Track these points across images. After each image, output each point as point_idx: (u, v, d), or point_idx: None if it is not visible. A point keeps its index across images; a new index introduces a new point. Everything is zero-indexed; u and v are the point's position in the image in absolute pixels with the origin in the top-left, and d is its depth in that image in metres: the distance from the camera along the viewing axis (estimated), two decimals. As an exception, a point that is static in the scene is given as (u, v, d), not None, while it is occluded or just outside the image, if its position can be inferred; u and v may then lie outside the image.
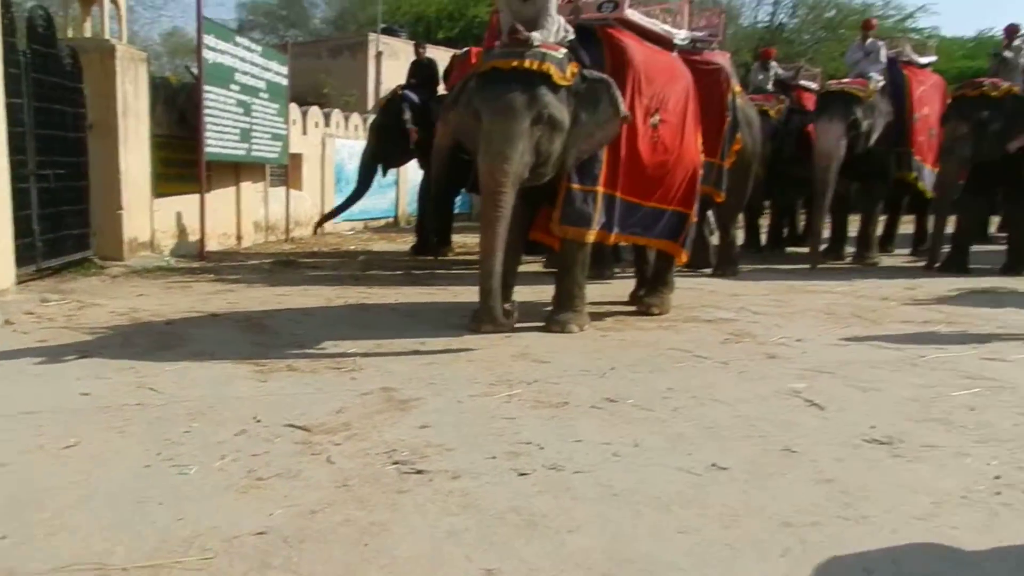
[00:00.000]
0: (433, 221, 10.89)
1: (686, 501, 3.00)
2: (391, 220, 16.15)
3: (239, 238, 11.58)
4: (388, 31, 19.61)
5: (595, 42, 6.22)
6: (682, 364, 5.19)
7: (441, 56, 13.06)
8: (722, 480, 3.22)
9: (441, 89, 10.89)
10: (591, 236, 6.13)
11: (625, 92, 5.98)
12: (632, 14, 6.61)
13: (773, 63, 11.88)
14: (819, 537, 2.72)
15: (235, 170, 11.24)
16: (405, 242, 12.41)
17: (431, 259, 10.68)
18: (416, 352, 5.39)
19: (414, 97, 10.41)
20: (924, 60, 11.79)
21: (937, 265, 10.00)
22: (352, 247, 12.23)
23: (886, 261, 11.19)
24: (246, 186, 11.62)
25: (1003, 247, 10.55)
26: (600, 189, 6.08)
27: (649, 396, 4.38)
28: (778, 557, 2.59)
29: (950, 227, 10.37)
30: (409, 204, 15.86)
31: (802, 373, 4.99)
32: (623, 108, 5.79)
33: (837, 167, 9.80)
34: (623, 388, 4.54)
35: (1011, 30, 10.24)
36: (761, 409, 4.19)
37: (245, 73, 10.86)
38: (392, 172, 13.09)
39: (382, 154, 10.72)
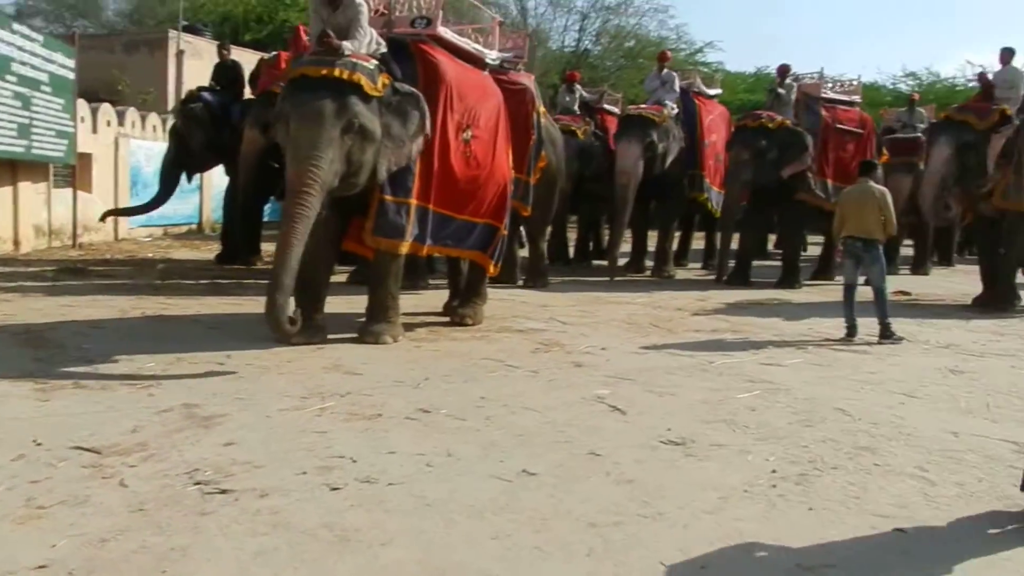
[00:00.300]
0: (241, 229, 10.44)
1: (498, 508, 3.07)
2: (194, 227, 15.29)
3: (16, 243, 10.50)
4: (191, 29, 18.59)
5: (408, 56, 6.28)
6: (494, 374, 5.30)
7: (248, 59, 12.60)
8: (532, 486, 3.33)
9: (247, 93, 10.51)
10: (404, 248, 6.15)
11: (437, 107, 6.07)
12: (445, 32, 6.75)
13: (578, 86, 12.52)
14: (620, 536, 2.88)
15: (11, 168, 10.19)
16: (210, 250, 11.78)
17: (238, 268, 10.21)
18: (221, 366, 5.14)
19: (212, 100, 9.98)
20: (712, 92, 12.94)
21: (724, 279, 10.88)
22: (150, 254, 11.44)
23: (680, 274, 12.02)
24: (25, 186, 10.56)
25: (779, 263, 11.66)
26: (413, 201, 6.12)
27: (462, 406, 4.45)
28: (584, 556, 2.72)
29: (735, 244, 11.32)
30: (214, 210, 15.06)
31: (606, 380, 5.26)
32: (427, 124, 5.89)
33: (635, 185, 10.47)
34: (437, 398, 4.58)
35: (783, 70, 11.45)
36: (568, 415, 4.37)
37: (23, 64, 9.90)
38: (196, 177, 12.45)
39: (182, 159, 10.16)
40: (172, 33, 17.64)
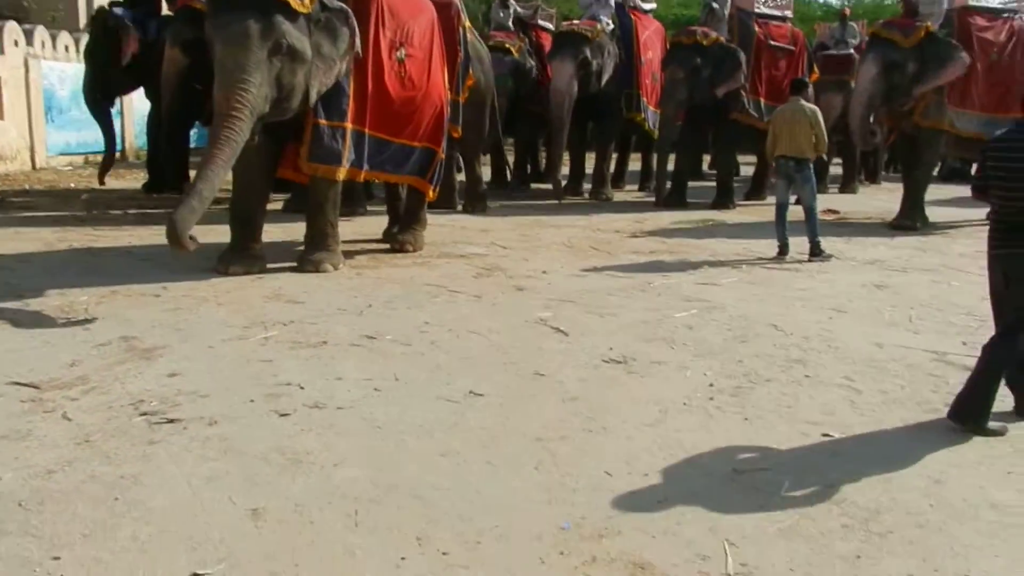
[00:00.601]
0: (167, 155, 10.04)
1: (447, 427, 3.15)
2: (117, 154, 14.63)
3: (-77, 174, 9.94)
4: (101, -60, 17.40)
5: None
6: (437, 299, 5.33)
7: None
8: (479, 406, 3.41)
9: (165, 9, 9.94)
10: (341, 173, 6.04)
11: (369, 25, 5.87)
12: None
13: (512, 1, 12.17)
14: (567, 449, 2.99)
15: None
16: (136, 179, 11.38)
17: (168, 197, 9.87)
18: (157, 297, 5.04)
19: (126, 16, 9.41)
20: (647, 6, 12.62)
21: (662, 200, 10.99)
22: (72, 184, 10.98)
23: (618, 196, 12.11)
24: (-71, 113, 9.94)
25: (714, 183, 11.83)
26: (349, 125, 5.98)
27: (407, 331, 4.48)
28: (532, 470, 2.82)
29: (671, 165, 11.43)
30: (137, 136, 14.44)
31: (548, 303, 5.34)
32: (357, 42, 5.69)
33: (571, 104, 10.39)
34: (381, 324, 4.60)
35: None
36: (512, 338, 4.45)
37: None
38: (116, 101, 11.86)
39: (98, 83, 9.65)
40: (80, -55, 16.51)
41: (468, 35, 8.70)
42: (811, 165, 7.31)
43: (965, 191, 6.05)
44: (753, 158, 12.89)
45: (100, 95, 9.76)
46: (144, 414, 3.14)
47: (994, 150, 3.45)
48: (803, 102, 7.29)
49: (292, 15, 5.29)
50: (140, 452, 2.80)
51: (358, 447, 2.92)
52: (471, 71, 8.59)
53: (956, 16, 9.31)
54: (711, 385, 3.79)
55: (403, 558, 2.25)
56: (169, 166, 9.94)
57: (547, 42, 11.84)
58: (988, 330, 4.96)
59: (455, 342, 4.33)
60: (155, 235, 7.30)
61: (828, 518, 2.58)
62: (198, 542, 2.27)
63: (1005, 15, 9.72)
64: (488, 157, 12.60)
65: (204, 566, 2.16)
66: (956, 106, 9.11)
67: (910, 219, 9.34)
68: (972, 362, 4.27)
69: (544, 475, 2.78)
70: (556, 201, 10.71)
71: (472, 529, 2.41)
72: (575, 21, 11.04)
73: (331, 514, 2.45)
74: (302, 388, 3.50)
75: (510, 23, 11.83)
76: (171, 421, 3.07)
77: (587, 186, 11.99)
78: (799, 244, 7.29)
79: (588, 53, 10.34)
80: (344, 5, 5.67)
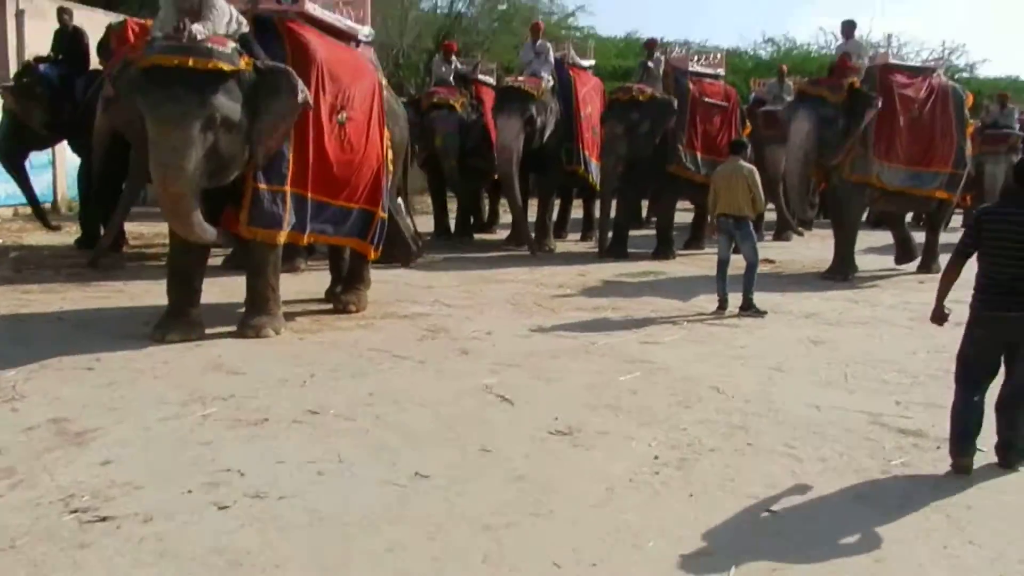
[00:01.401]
0: (97, 214, 9.83)
1: (393, 517, 3.09)
2: (48, 206, 14.20)
3: None
4: (31, -12, 17.04)
5: (275, 35, 6.01)
6: (382, 366, 5.28)
7: (101, 20, 11.73)
8: (425, 489, 3.37)
9: (95, 62, 9.78)
10: (282, 237, 5.99)
11: (309, 89, 5.86)
12: (313, 7, 6.47)
13: (454, 57, 12.34)
14: (514, 538, 2.97)
15: None
16: (69, 233, 11.04)
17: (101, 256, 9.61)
18: (91, 371, 4.88)
19: (51, 73, 9.28)
20: (586, 63, 13.00)
21: (604, 251, 11.16)
22: (0, 240, 10.61)
23: (561, 247, 12.22)
24: None
25: (654, 231, 12.04)
26: (288, 188, 5.94)
27: (351, 404, 4.42)
28: (480, 564, 2.78)
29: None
30: (70, 188, 14.04)
31: (493, 367, 5.33)
32: (304, 93, 5.62)
33: (518, 159, 10.58)
34: (324, 397, 4.53)
35: (651, 44, 11.75)
36: (458, 409, 4.42)
37: None
38: (47, 151, 11.59)
39: (19, 136, 9.43)
40: (10, -8, 16.15)
41: (384, 92, 8.78)
42: (750, 223, 7.52)
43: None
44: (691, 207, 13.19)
45: (15, 150, 9.55)
46: (75, 511, 3.01)
47: (989, 220, 3.81)
48: (741, 162, 7.52)
49: (225, 83, 5.23)
50: (70, 559, 2.68)
51: (301, 544, 2.85)
52: (387, 127, 8.64)
53: (878, 73, 9.74)
54: (656, 457, 3.82)
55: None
56: (99, 225, 9.72)
57: (488, 97, 12.02)
58: (920, 387, 5.20)
59: (400, 416, 4.28)
60: (89, 297, 7.14)
61: (774, 605, 2.61)
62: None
63: (923, 73, 10.22)
64: (433, 208, 12.70)
65: None
66: (882, 160, 9.49)
67: (841, 272, 9.65)
68: (906, 423, 4.47)
69: (491, 569, 2.75)
70: (531, 253, 10.89)
71: (419, 634, 2.36)
72: (519, 78, 11.24)
73: (273, 622, 2.38)
74: (242, 475, 3.41)
75: (451, 78, 11.99)
76: (104, 519, 2.95)
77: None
78: (739, 298, 7.44)
79: (533, 110, 10.58)
80: (283, 65, 5.65)
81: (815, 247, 12.51)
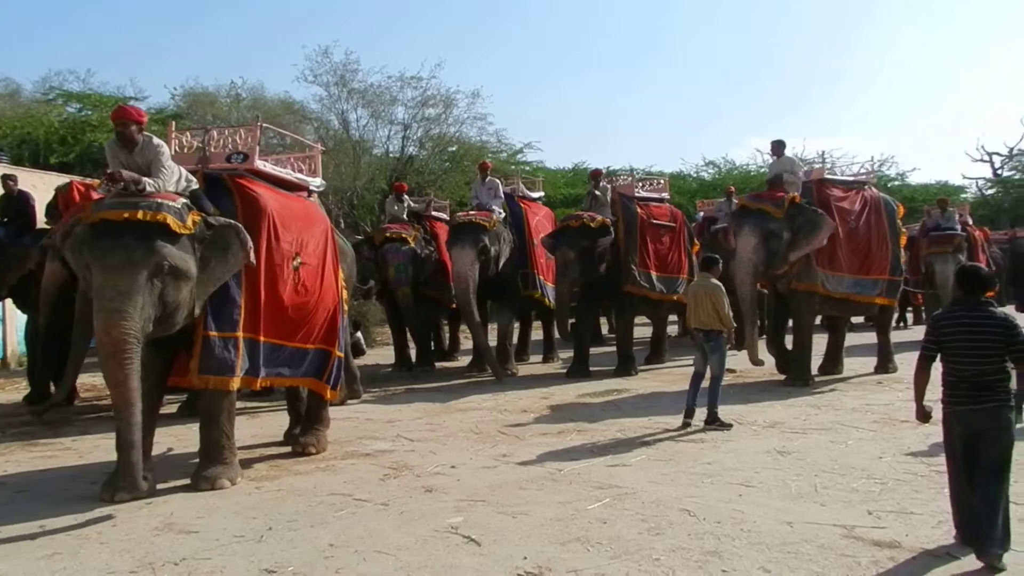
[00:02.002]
0: (43, 371, 9.66)
1: None
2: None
3: None
4: (-16, 154, 17.29)
5: (225, 191, 6.16)
6: (342, 512, 5.08)
7: (52, 182, 11.93)
8: (390, 649, 3.17)
9: (41, 222, 9.91)
10: (236, 383, 5.88)
11: (260, 238, 5.96)
12: (263, 164, 6.68)
13: (405, 196, 12.81)
14: None
15: None
16: (17, 389, 10.74)
17: (49, 410, 9.32)
18: (33, 540, 4.62)
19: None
20: (535, 195, 13.70)
21: (566, 373, 11.22)
22: (-59, 401, 10.25)
23: (523, 369, 12.21)
24: None
25: (614, 348, 12.12)
26: (241, 334, 5.90)
27: (310, 559, 4.21)
28: None
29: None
30: (19, 343, 13.77)
31: (458, 505, 5.17)
32: (251, 252, 5.72)
33: (474, 288, 10.80)
34: (282, 553, 4.32)
35: (596, 173, 12.23)
36: (422, 555, 4.25)
37: None
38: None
39: None
40: (-38, 159, 16.33)
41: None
42: (720, 336, 7.61)
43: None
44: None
45: None
46: None
47: (944, 325, 4.23)
48: (710, 278, 7.70)
49: (173, 237, 5.29)
50: None
51: None
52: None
53: (815, 187, 10.23)
54: (630, 595, 3.67)
55: None
56: (48, 380, 9.55)
57: (442, 231, 12.47)
58: (890, 494, 5.16)
59: (361, 567, 4.09)
60: (36, 458, 6.86)
61: None
62: None
63: (855, 186, 10.73)
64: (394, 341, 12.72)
65: None
66: (825, 269, 9.82)
67: (801, 379, 9.77)
68: (880, 534, 4.40)
69: None
70: (497, 380, 10.86)
71: None
72: (471, 212, 11.67)
73: None
74: (193, 650, 3.19)
75: (404, 215, 12.39)
76: None
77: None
78: (705, 412, 7.43)
79: (487, 240, 10.96)
80: (231, 221, 5.74)
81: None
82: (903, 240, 10.86)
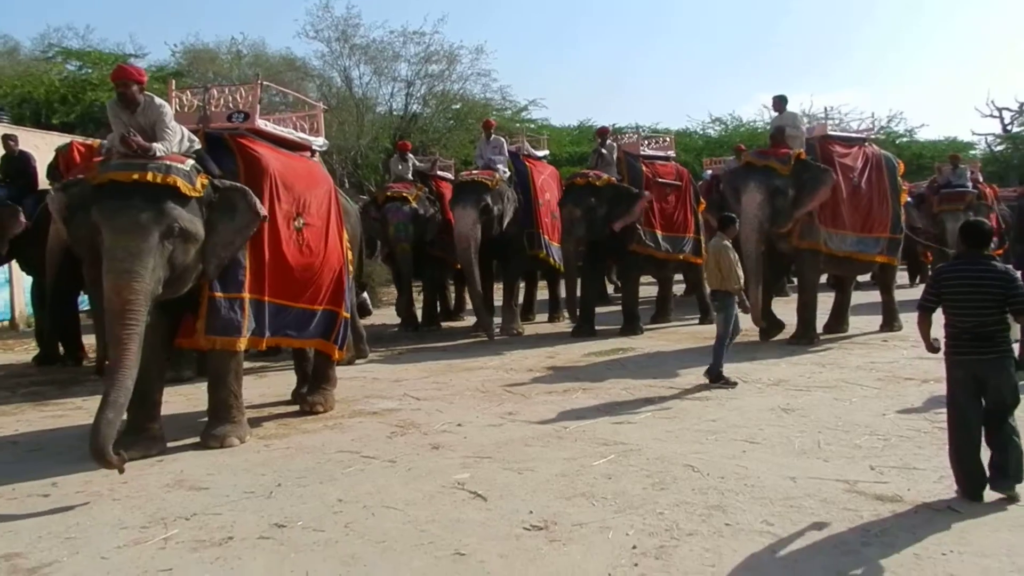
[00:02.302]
0: (53, 330, 9.74)
1: (365, 635, 2.96)
2: (5, 323, 13.98)
3: None
4: (-16, 113, 17.18)
5: (227, 151, 6.12)
6: (350, 469, 5.15)
7: (54, 142, 11.87)
8: (398, 602, 3.23)
9: (43, 183, 9.87)
10: (242, 344, 5.92)
11: (263, 198, 5.94)
12: (264, 124, 6.64)
13: (410, 155, 12.71)
14: (493, 647, 2.84)
15: None
16: (26, 350, 10.83)
17: (60, 370, 9.43)
18: (46, 497, 4.69)
19: (1, 194, 9.36)
20: (540, 153, 13.56)
21: (571, 332, 11.24)
22: (-49, 362, 10.35)
23: (529, 328, 12.25)
24: None
25: (619, 307, 12.14)
26: (246, 295, 5.92)
27: (320, 514, 4.28)
28: None
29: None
30: (27, 304, 13.85)
31: (465, 461, 5.23)
32: (262, 209, 5.74)
33: (476, 247, 10.80)
34: (292, 508, 4.38)
35: (603, 131, 12.16)
36: (430, 510, 4.30)
37: None
38: (3, 268, 11.48)
39: None
40: (-37, 118, 16.24)
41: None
42: (726, 297, 7.61)
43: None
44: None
45: None
46: (26, 656, 2.84)
47: (947, 277, 4.38)
48: (723, 239, 7.67)
49: (183, 199, 5.27)
50: None
51: (268, 673, 2.71)
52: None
53: (818, 144, 10.14)
54: (634, 547, 3.72)
55: None
56: (56, 341, 9.63)
57: (447, 190, 12.39)
58: (893, 449, 5.20)
59: (370, 522, 4.15)
60: (46, 417, 6.94)
61: None
62: None
63: (857, 143, 10.61)
64: (399, 300, 12.73)
65: None
66: (828, 227, 9.77)
67: (806, 337, 9.78)
68: (882, 489, 4.44)
69: None
70: (486, 338, 10.95)
71: None
72: (473, 171, 11.59)
73: None
74: (205, 603, 3.26)
75: (409, 175, 12.31)
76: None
77: (498, 320, 12.12)
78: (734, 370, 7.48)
79: (489, 200, 10.92)
80: (239, 184, 5.73)
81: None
82: (903, 197, 10.75)
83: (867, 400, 6.73)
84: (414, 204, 11.64)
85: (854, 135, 10.94)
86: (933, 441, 5.33)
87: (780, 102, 10.46)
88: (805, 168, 9.52)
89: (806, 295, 10.07)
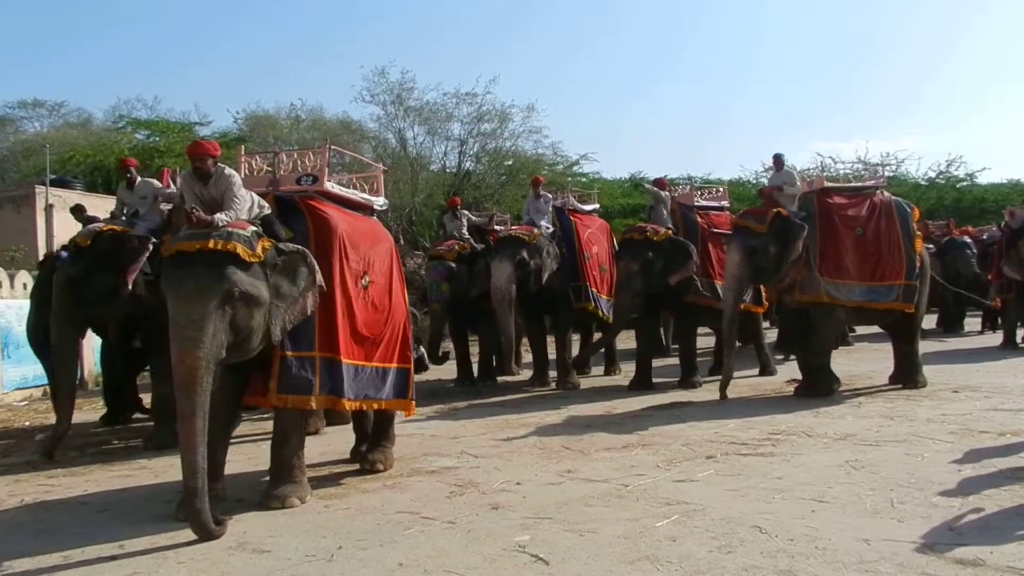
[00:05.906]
0: (125, 386, 10.04)
1: None
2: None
3: None
4: (60, 182, 17.90)
5: (297, 213, 6.31)
6: (410, 531, 5.11)
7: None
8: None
9: None
10: (314, 403, 6.00)
11: (333, 259, 6.10)
12: (332, 186, 6.85)
13: (464, 211, 12.98)
14: None
15: None
16: (94, 409, 11.12)
17: (127, 428, 9.67)
18: (113, 560, 4.76)
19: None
20: (588, 208, 13.62)
21: (628, 386, 11.18)
22: (28, 423, 10.68)
23: (585, 382, 12.15)
24: None
25: (677, 360, 11.99)
26: (317, 354, 6.01)
27: (380, 578, 4.25)
28: None
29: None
30: (96, 364, 14.28)
31: (525, 522, 5.16)
32: (319, 277, 5.87)
33: (510, 300, 10.99)
34: (352, 572, 4.37)
35: (659, 183, 12.21)
36: (490, 575, 4.24)
37: None
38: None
39: (42, 325, 9.70)
40: (39, 188, 17.03)
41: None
42: None
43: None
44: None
45: (44, 337, 9.75)
46: None
47: None
48: None
49: (243, 264, 5.43)
50: None
51: None
52: None
53: (815, 197, 10.11)
54: (703, 614, 3.61)
55: None
56: (122, 400, 9.93)
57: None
58: (971, 508, 4.96)
59: (431, 587, 4.11)
60: (114, 477, 7.08)
61: None
62: None
63: (864, 192, 10.45)
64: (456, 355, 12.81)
65: None
66: (830, 278, 9.68)
67: (812, 389, 9.76)
68: (963, 552, 4.23)
69: None
70: (526, 393, 11.03)
71: None
72: (512, 228, 11.88)
73: None
74: (270, 669, 3.25)
75: (463, 231, 12.50)
76: None
77: (553, 374, 12.09)
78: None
79: (525, 254, 11.11)
80: (300, 247, 5.89)
81: (843, 361, 12.35)
82: (918, 244, 10.46)
83: (940, 455, 6.47)
84: (450, 262, 11.81)
85: (859, 185, 10.82)
86: (1014, 499, 5.09)
87: (778, 160, 10.68)
88: (784, 224, 9.53)
89: (819, 346, 9.97)
